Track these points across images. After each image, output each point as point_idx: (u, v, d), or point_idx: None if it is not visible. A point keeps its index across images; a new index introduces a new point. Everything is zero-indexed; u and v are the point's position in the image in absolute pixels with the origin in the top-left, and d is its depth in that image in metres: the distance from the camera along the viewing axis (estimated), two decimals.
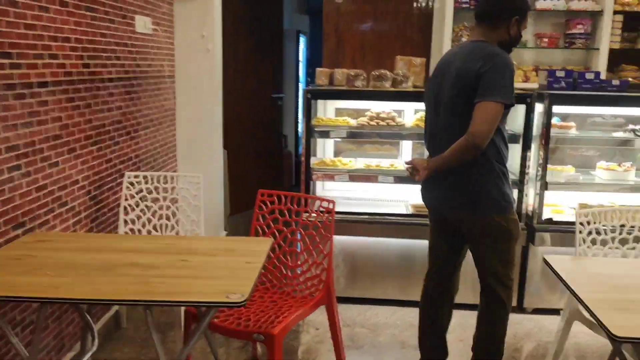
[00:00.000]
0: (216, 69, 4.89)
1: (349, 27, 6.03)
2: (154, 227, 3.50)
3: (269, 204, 3.08)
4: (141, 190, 3.50)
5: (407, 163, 2.70)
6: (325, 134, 4.05)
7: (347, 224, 3.93)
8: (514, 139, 3.87)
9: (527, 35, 5.70)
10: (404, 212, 4.11)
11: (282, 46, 7.08)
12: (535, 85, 5.15)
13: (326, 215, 2.94)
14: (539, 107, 3.86)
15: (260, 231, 3.08)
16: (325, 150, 4.61)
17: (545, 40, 5.50)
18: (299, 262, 3.04)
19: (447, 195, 2.68)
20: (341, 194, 4.52)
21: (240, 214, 6.58)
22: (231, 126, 6.30)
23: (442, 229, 2.88)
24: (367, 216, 3.99)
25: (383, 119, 4.06)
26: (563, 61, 5.69)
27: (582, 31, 5.44)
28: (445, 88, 2.62)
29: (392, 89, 3.97)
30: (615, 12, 5.35)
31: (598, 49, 5.40)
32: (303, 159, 3.96)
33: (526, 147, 3.85)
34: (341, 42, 6.05)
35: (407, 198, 4.35)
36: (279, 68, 7.02)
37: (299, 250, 3.04)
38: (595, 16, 5.47)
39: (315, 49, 8.24)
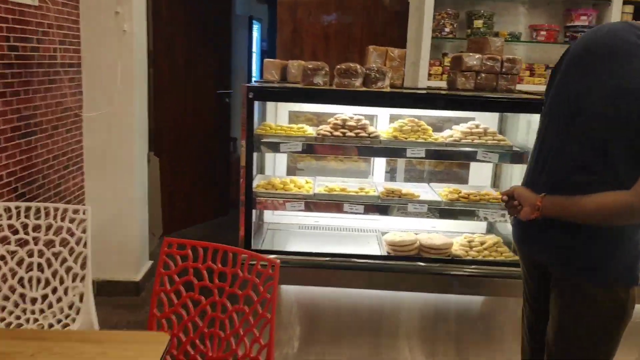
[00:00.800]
0: (136, 55, 3.79)
1: (309, 12, 4.99)
2: (19, 283, 2.41)
3: (179, 259, 2.03)
4: (1, 229, 2.40)
5: (503, 194, 2.03)
6: (273, 147, 3.02)
7: (302, 271, 2.91)
8: None
9: (519, 26, 4.78)
10: (377, 252, 3.11)
11: (230, 34, 5.99)
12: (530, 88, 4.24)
13: (266, 280, 1.91)
14: None
15: (165, 302, 2.03)
16: (275, 166, 3.58)
17: (543, 33, 4.60)
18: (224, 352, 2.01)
19: (562, 254, 1.92)
20: (297, 221, 3.51)
21: (177, 232, 5.49)
22: (165, 129, 5.20)
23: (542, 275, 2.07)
24: (327, 258, 2.98)
25: (351, 128, 3.06)
26: None
27: (586, 23, 4.57)
28: (589, 102, 1.82)
29: (364, 88, 2.97)
30: (625, 2, 4.50)
31: None
32: (242, 179, 2.93)
33: None
34: (299, 30, 5.01)
35: (379, 227, 3.39)
36: (226, 60, 5.94)
37: (223, 334, 2.00)
38: (601, 6, 4.61)
39: (274, 39, 7.18)
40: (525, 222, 1.96)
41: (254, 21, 6.92)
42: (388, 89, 3.02)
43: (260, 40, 7.43)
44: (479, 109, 3.14)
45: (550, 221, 1.87)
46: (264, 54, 7.65)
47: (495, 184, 3.63)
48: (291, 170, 3.66)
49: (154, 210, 5.05)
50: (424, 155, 3.03)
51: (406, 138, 3.07)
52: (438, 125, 3.56)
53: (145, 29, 3.97)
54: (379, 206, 3.05)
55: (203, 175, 5.67)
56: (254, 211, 3.02)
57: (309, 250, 3.05)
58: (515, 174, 3.36)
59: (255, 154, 3.02)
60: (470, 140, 3.08)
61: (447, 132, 3.23)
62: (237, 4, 6.25)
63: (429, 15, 4.49)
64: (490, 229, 3.53)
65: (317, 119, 3.56)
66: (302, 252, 3.02)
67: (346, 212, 3.04)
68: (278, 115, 3.54)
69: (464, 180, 3.69)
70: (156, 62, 4.98)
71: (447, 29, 4.59)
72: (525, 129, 3.38)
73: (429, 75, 4.68)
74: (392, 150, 3.05)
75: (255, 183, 3.21)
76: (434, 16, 4.53)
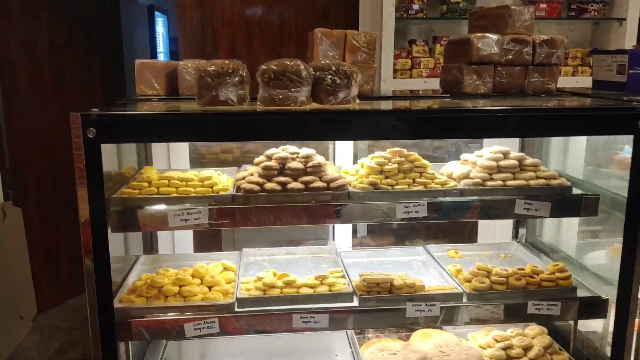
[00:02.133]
0: None
1: None
2: None
3: None
4: None
5: None
6: (155, 221, 1.64)
7: None
8: None
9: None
10: None
11: (120, 31, 4.50)
12: None
13: None
14: None
15: None
16: (175, 243, 2.20)
17: (543, 6, 3.38)
18: None
19: None
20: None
21: (62, 305, 4.00)
22: (28, 166, 3.68)
23: None
24: None
25: (296, 174, 1.72)
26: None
27: None
28: None
29: (314, 106, 1.63)
30: None
31: (624, 19, 3.36)
32: (91, 290, 1.53)
33: None
34: (209, 19, 3.61)
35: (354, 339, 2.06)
36: (117, 66, 4.44)
37: None
38: None
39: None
40: None
41: (158, 13, 5.41)
42: (357, 104, 1.68)
43: (169, 38, 5.94)
44: (532, 132, 1.85)
45: None
46: (175, 56, 6.18)
47: (518, 234, 2.37)
48: (201, 239, 2.27)
49: (21, 284, 3.53)
50: (425, 214, 1.71)
51: (393, 186, 1.75)
52: (433, 153, 2.28)
53: None
54: (356, 313, 1.71)
55: None
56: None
57: None
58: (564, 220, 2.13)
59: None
60: (501, 183, 1.79)
61: (454, 167, 1.93)
62: None
63: None
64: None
65: (240, 151, 2.21)
66: None
67: (298, 329, 1.69)
68: (172, 150, 2.15)
69: (472, 230, 2.41)
70: (8, 72, 3.47)
71: (415, 6, 3.30)
72: (561, 148, 2.17)
73: (394, 71, 3.38)
74: (369, 212, 1.71)
75: (131, 279, 1.82)
76: None
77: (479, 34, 1.94)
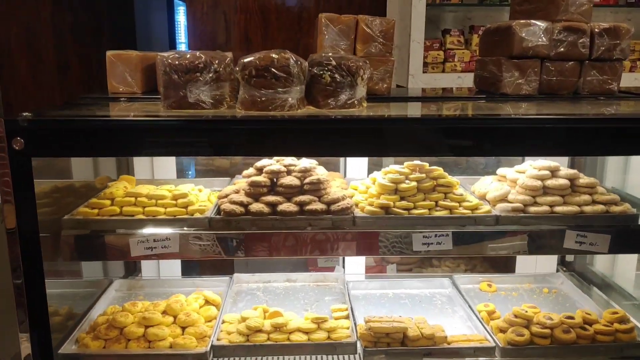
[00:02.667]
0: None
1: None
2: None
3: None
4: None
5: None
6: (112, 253, 1.33)
7: None
8: None
9: None
10: None
11: (133, 20, 4.22)
12: None
13: None
14: None
15: None
16: (161, 262, 1.90)
17: None
18: None
19: None
20: None
21: None
22: None
23: None
24: None
25: (289, 192, 1.40)
26: None
27: None
28: None
29: (308, 110, 1.29)
30: None
31: None
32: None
33: None
34: (220, 4, 3.30)
35: None
36: None
37: None
38: None
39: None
40: None
41: (177, 0, 5.10)
42: (364, 109, 1.33)
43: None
44: (594, 150, 1.46)
45: None
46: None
47: (564, 261, 1.99)
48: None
49: None
50: (449, 247, 1.36)
51: (410, 210, 1.40)
52: (457, 165, 1.93)
53: None
54: None
55: None
56: None
57: None
58: None
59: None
60: (547, 209, 1.42)
61: (489, 184, 1.57)
62: None
63: None
64: None
65: (229, 164, 1.89)
66: None
67: None
68: (156, 157, 1.84)
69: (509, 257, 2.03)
70: (7, 61, 3.24)
71: None
72: (620, 162, 1.79)
73: (425, 65, 3.00)
74: (378, 242, 1.36)
75: (98, 310, 1.54)
76: None
77: (522, 21, 1.56)
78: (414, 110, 1.52)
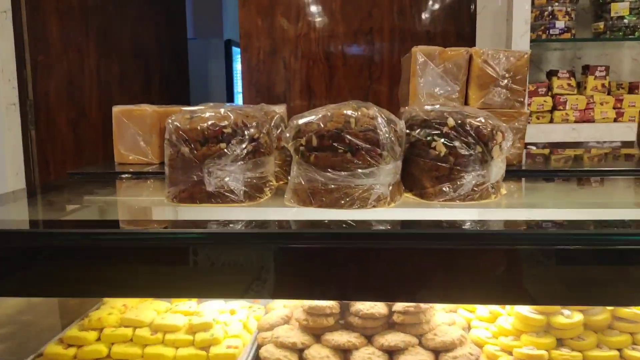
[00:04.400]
0: None
1: (295, 14, 2.89)
2: None
3: None
4: None
5: None
6: None
7: None
8: None
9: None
10: None
11: (187, 70, 3.93)
12: None
13: None
14: None
15: None
16: None
17: None
18: None
19: None
20: None
21: None
22: None
23: None
24: None
25: (371, 325, 0.84)
26: None
27: None
28: None
29: (414, 200, 0.75)
30: None
31: None
32: None
33: None
34: (279, 51, 2.88)
35: None
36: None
37: None
38: None
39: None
40: None
41: (236, 48, 4.79)
42: (502, 196, 0.78)
43: None
44: None
45: None
46: None
47: None
48: None
49: None
50: None
51: None
52: None
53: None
54: None
55: None
56: None
57: None
58: None
59: None
60: None
61: None
62: (203, 23, 4.19)
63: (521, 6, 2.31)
64: None
65: None
66: None
67: None
68: None
69: None
70: (46, 117, 2.93)
71: (559, 24, 2.35)
72: None
73: (529, 114, 2.41)
74: None
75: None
76: (533, 1, 2.34)
77: None
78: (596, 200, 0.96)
